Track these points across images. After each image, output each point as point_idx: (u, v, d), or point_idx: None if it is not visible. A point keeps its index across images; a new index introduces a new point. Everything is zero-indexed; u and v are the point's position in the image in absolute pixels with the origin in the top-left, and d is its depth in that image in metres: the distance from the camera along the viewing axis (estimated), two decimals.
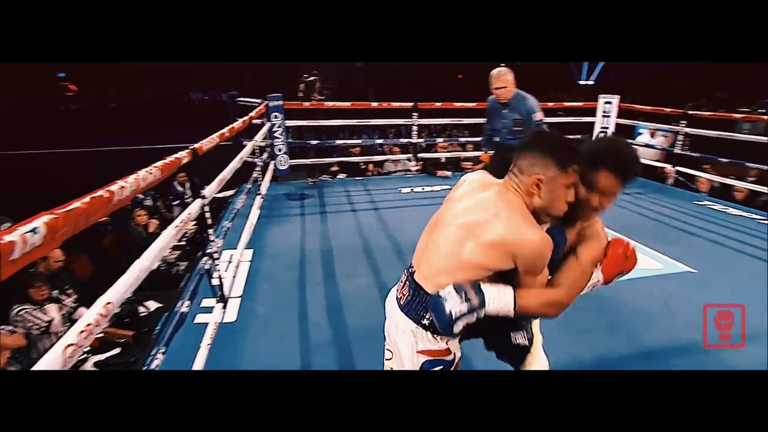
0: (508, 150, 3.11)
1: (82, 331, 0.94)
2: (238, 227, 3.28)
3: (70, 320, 2.75)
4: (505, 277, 1.07)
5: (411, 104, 5.37)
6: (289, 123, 4.95)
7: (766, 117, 5.77)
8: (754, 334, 2.29)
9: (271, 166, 4.76)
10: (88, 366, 2.49)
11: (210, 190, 2.16)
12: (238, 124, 3.12)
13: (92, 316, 1.00)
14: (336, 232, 3.67)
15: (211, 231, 2.16)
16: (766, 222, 4.09)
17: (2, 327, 2.47)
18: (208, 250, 2.19)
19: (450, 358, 1.15)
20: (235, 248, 2.96)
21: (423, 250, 1.18)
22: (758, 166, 4.71)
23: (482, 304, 1.02)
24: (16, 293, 2.59)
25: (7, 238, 0.71)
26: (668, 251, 3.18)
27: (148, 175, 1.36)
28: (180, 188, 5.19)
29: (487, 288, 1.04)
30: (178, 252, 4.00)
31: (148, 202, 4.71)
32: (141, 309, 3.06)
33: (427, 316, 1.09)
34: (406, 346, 1.14)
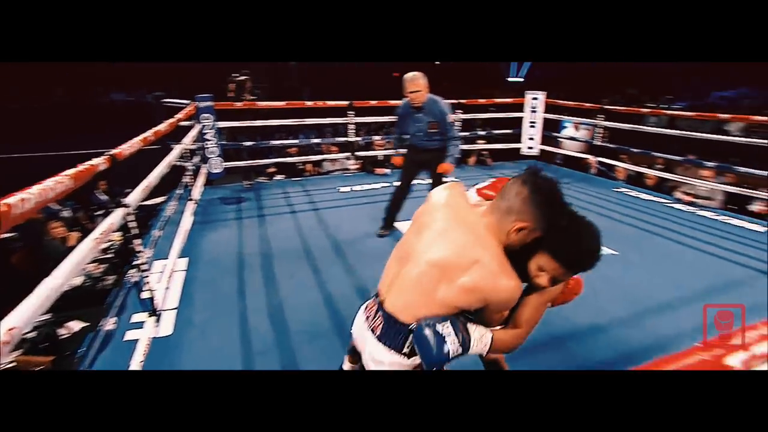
0: (423, 152, 3.26)
1: None
2: (171, 235, 3.10)
3: None
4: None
5: (346, 103, 5.35)
6: (221, 124, 4.75)
7: (668, 111, 6.39)
8: (666, 305, 2.54)
9: (204, 170, 4.54)
10: None
11: (134, 198, 2.02)
12: (164, 126, 2.94)
13: None
14: (275, 235, 3.58)
15: (137, 241, 2.02)
16: (671, 204, 4.55)
17: None
18: (136, 262, 2.05)
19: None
20: (168, 258, 2.79)
21: (392, 280, 1.16)
22: (664, 155, 5.22)
23: (469, 347, 1.05)
24: None
25: None
26: None
27: (57, 184, 1.24)
28: (103, 197, 4.81)
29: (473, 331, 1.07)
30: (104, 266, 3.71)
31: (66, 213, 4.32)
32: (62, 331, 2.80)
33: (407, 345, 1.10)
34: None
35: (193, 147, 4.53)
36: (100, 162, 1.63)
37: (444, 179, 3.26)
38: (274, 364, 2.00)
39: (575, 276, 1.19)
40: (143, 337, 2.07)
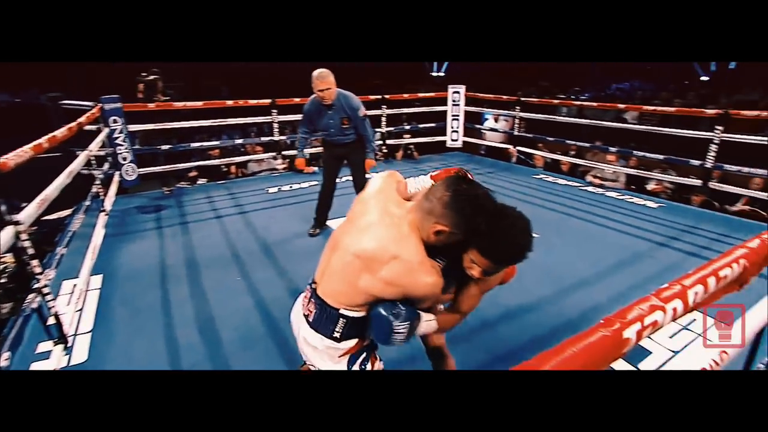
0: (339, 146, 3.28)
1: None
2: (81, 251, 2.81)
3: None
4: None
5: (269, 101, 5.18)
6: (133, 127, 4.39)
7: (577, 102, 6.94)
8: (584, 281, 2.76)
9: (116, 178, 4.17)
10: None
11: (28, 214, 1.79)
12: (63, 131, 2.64)
13: None
14: (200, 242, 3.38)
15: (35, 262, 1.79)
16: (584, 188, 4.95)
17: None
18: (35, 286, 1.82)
19: (366, 343, 1.24)
20: (78, 276, 2.53)
21: (324, 269, 1.21)
22: (575, 142, 5.66)
23: (416, 326, 1.15)
24: None
25: None
26: None
27: None
28: None
29: (423, 314, 1.17)
30: None
31: None
32: None
33: (336, 329, 1.16)
34: (323, 359, 1.20)
35: (102, 153, 4.14)
36: None
37: (367, 174, 3.35)
38: None
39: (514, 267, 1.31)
40: (51, 368, 1.85)
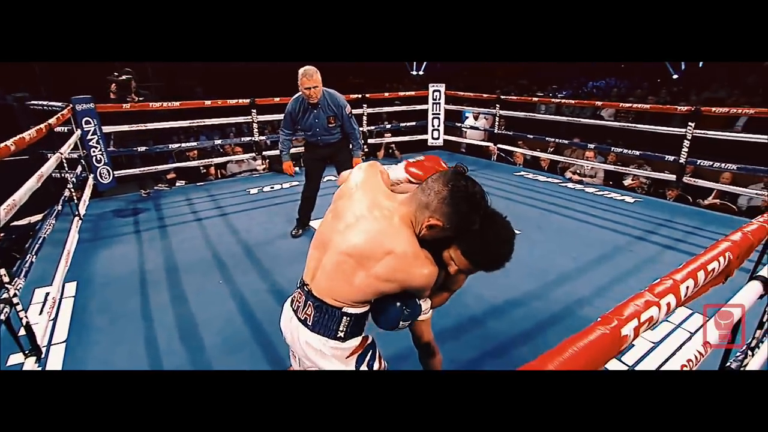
0: (325, 147, 3.19)
1: None
2: (54, 258, 2.70)
3: None
4: None
5: (248, 101, 5.10)
6: (108, 129, 4.25)
7: (555, 100, 7.05)
8: (567, 276, 2.80)
9: (90, 181, 4.03)
10: None
11: None
12: (32, 133, 2.53)
13: None
14: (180, 246, 3.30)
15: (2, 271, 1.71)
16: (563, 184, 5.03)
17: None
18: (4, 296, 1.74)
19: (370, 341, 1.23)
20: (51, 284, 2.43)
21: (314, 269, 1.17)
22: (554, 139, 5.76)
23: (419, 312, 1.19)
24: None
25: None
26: None
27: None
28: None
29: (424, 304, 1.21)
30: None
31: None
32: None
33: (341, 329, 1.13)
34: (331, 361, 1.16)
35: (75, 156, 3.99)
36: None
37: None
38: None
39: None
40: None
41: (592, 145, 5.16)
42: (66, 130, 3.93)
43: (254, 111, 5.13)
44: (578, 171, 5.30)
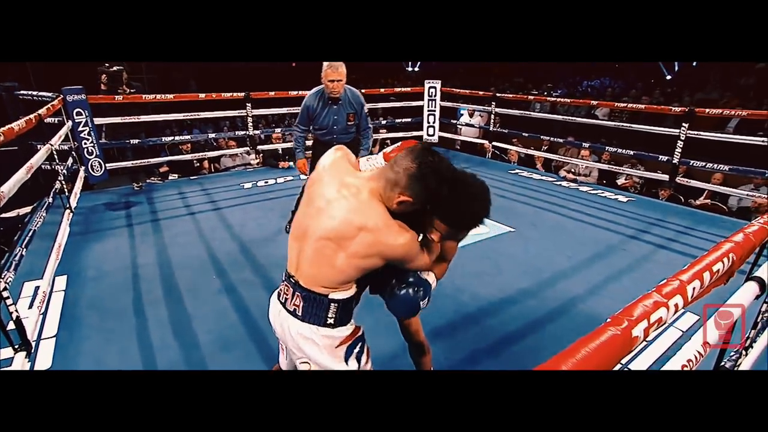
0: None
1: None
2: (43, 251, 2.66)
3: None
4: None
5: (243, 95, 5.05)
6: (100, 121, 4.18)
7: (551, 99, 7.07)
8: (561, 274, 2.82)
9: (81, 173, 3.97)
10: None
11: None
12: (21, 123, 2.48)
13: None
14: (173, 241, 3.26)
15: None
16: (557, 183, 5.06)
17: None
18: None
19: (360, 333, 1.24)
20: (41, 277, 2.39)
21: (297, 259, 1.17)
22: (549, 138, 5.78)
23: (429, 288, 1.24)
24: None
25: None
26: (492, 216, 3.63)
27: None
28: None
29: (428, 277, 1.25)
30: None
31: None
32: None
33: (330, 316, 1.14)
34: (322, 351, 1.16)
35: (66, 147, 3.92)
36: None
37: None
38: None
39: None
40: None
41: (586, 144, 5.19)
42: (57, 121, 3.87)
43: (249, 105, 5.09)
44: (572, 170, 5.32)
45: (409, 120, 6.39)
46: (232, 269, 2.81)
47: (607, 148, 5.17)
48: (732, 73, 7.13)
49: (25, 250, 2.29)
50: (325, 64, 2.78)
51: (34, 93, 3.88)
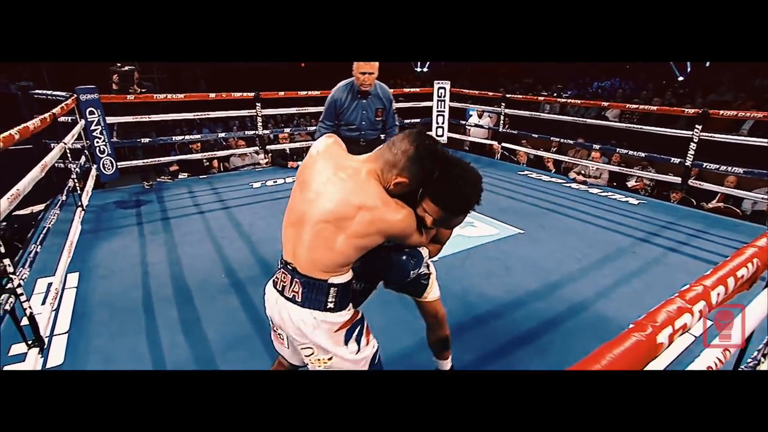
0: (363, 144, 2.81)
1: None
2: (56, 248, 2.69)
3: None
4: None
5: (253, 94, 5.07)
6: (112, 120, 4.22)
7: (561, 100, 7.02)
8: (570, 276, 2.79)
9: (93, 172, 4.01)
10: None
11: None
12: (36, 122, 2.51)
13: None
14: (183, 239, 3.28)
15: (7, 261, 1.70)
16: (567, 184, 5.02)
17: None
18: (8, 286, 1.73)
19: (359, 317, 1.26)
20: (54, 274, 2.42)
21: (294, 245, 1.17)
22: (559, 139, 5.73)
23: (422, 259, 1.31)
24: None
25: None
26: (501, 217, 3.66)
27: None
28: None
29: (423, 251, 1.32)
30: None
31: None
32: None
33: (330, 300, 1.14)
34: (322, 334, 1.17)
35: (78, 146, 3.97)
36: None
37: None
38: None
39: None
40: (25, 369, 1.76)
41: (597, 146, 5.14)
42: (70, 120, 3.91)
43: (258, 105, 5.11)
44: (582, 171, 5.27)
45: (418, 120, 6.38)
46: (241, 268, 2.83)
47: (618, 149, 5.13)
48: (746, 74, 7.01)
49: (39, 247, 2.31)
50: None
51: (49, 92, 3.93)
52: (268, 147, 5.44)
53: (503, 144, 6.08)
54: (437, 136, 6.35)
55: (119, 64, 4.28)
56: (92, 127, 3.99)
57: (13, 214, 3.43)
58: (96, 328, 2.21)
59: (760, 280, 0.99)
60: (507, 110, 5.81)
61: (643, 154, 4.69)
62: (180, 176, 5.12)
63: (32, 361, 1.79)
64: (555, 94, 8.83)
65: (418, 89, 6.54)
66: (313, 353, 1.20)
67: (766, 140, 3.79)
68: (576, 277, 2.80)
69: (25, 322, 1.83)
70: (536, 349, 2.09)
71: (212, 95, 4.91)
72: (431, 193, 1.14)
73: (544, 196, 4.53)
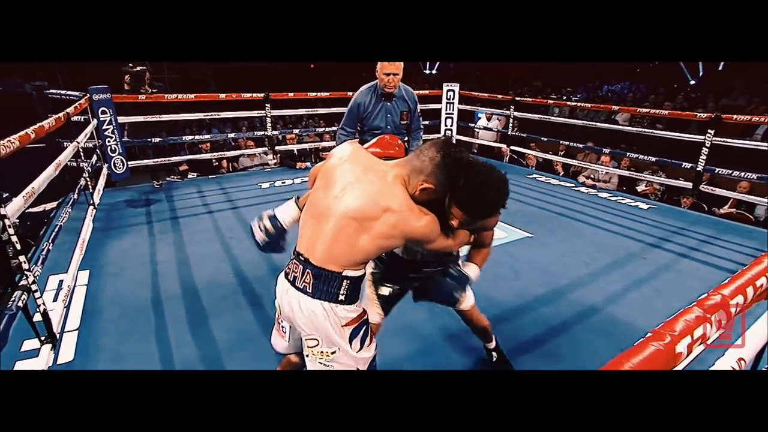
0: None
1: None
2: (67, 246, 2.73)
3: None
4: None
5: (262, 95, 5.09)
6: (123, 119, 4.27)
7: (571, 103, 6.97)
8: (579, 281, 2.77)
9: (105, 170, 4.06)
10: None
11: (14, 207, 1.72)
12: (50, 122, 2.55)
13: None
14: (192, 238, 3.31)
15: (22, 258, 1.72)
16: (576, 188, 4.98)
17: None
18: (22, 282, 1.75)
19: (366, 317, 1.27)
20: (66, 272, 2.45)
21: (312, 237, 1.19)
22: (568, 143, 5.70)
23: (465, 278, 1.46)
24: None
25: None
26: (510, 221, 3.64)
27: None
28: None
29: (469, 271, 1.47)
30: None
31: None
32: None
33: (341, 292, 1.16)
34: (329, 327, 1.18)
35: (90, 145, 4.02)
36: None
37: None
38: None
39: None
40: (38, 368, 1.79)
41: (607, 150, 5.10)
42: (82, 120, 3.96)
43: (268, 105, 5.13)
44: (592, 176, 5.24)
45: (427, 122, 6.37)
46: (249, 268, 2.84)
47: (628, 153, 5.08)
48: (760, 78, 6.92)
49: (51, 244, 2.34)
50: None
51: (62, 92, 3.98)
52: (277, 148, 5.47)
53: (512, 147, 6.05)
54: None
55: (131, 65, 4.32)
56: (104, 127, 4.04)
57: (27, 211, 3.48)
58: (105, 325, 2.23)
59: None
60: (516, 113, 5.79)
61: (653, 159, 4.65)
62: (189, 176, 5.16)
63: (45, 357, 1.81)
64: (564, 98, 8.78)
65: (427, 91, 6.53)
66: (317, 344, 1.22)
67: None
68: (585, 282, 2.77)
69: (37, 318, 1.86)
70: (544, 354, 2.07)
71: (222, 96, 4.94)
72: (457, 200, 1.17)
73: (552, 199, 4.50)
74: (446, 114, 6.21)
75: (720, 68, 7.94)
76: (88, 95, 3.86)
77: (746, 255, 3.23)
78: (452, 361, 2.02)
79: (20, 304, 1.65)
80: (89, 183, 3.48)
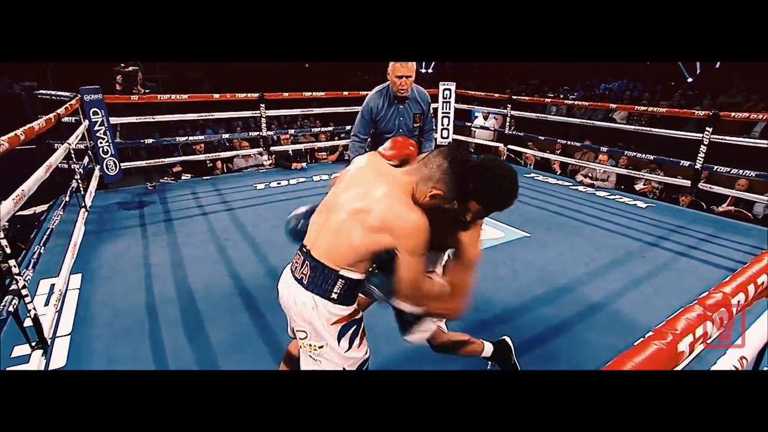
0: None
1: None
2: (59, 249, 2.69)
3: None
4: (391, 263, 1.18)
5: (257, 95, 5.06)
6: (115, 120, 4.23)
7: (568, 101, 6.96)
8: (578, 280, 2.75)
9: (97, 172, 4.02)
10: None
11: (4, 210, 1.68)
12: (41, 123, 2.51)
13: None
14: (186, 240, 3.27)
15: (12, 262, 1.69)
16: (574, 187, 4.97)
17: None
18: (12, 287, 1.71)
19: (358, 316, 1.27)
20: (57, 275, 2.41)
21: (318, 232, 1.22)
22: (566, 141, 5.68)
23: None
24: None
25: None
26: (508, 221, 3.62)
27: None
28: None
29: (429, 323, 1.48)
30: None
31: None
32: None
33: (335, 290, 1.17)
34: (320, 321, 1.20)
35: (81, 146, 3.98)
36: None
37: None
38: None
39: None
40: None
41: (604, 148, 5.09)
42: (73, 121, 3.92)
43: (263, 106, 5.10)
44: (590, 174, 5.22)
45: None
46: (244, 270, 2.81)
47: (625, 152, 5.07)
48: (757, 75, 6.91)
49: (42, 248, 2.30)
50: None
51: (53, 92, 3.94)
52: (272, 148, 5.44)
53: (509, 146, 6.04)
54: (442, 138, 6.32)
55: (123, 65, 4.28)
56: (96, 128, 4.00)
57: (16, 214, 3.44)
58: (99, 330, 2.20)
59: None
60: (513, 112, 5.77)
61: (651, 157, 4.63)
62: (183, 177, 5.12)
63: (36, 363, 1.78)
64: (561, 96, 8.78)
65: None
66: (306, 337, 1.23)
67: None
68: (584, 281, 2.75)
69: (28, 323, 1.82)
70: (543, 354, 2.05)
71: (216, 96, 4.91)
72: (476, 197, 1.22)
73: (550, 199, 4.48)
74: (442, 113, 6.19)
75: (717, 66, 7.94)
76: (79, 96, 3.82)
77: (745, 253, 3.22)
78: (452, 361, 1.99)
79: (10, 309, 1.62)
80: (81, 185, 3.44)
